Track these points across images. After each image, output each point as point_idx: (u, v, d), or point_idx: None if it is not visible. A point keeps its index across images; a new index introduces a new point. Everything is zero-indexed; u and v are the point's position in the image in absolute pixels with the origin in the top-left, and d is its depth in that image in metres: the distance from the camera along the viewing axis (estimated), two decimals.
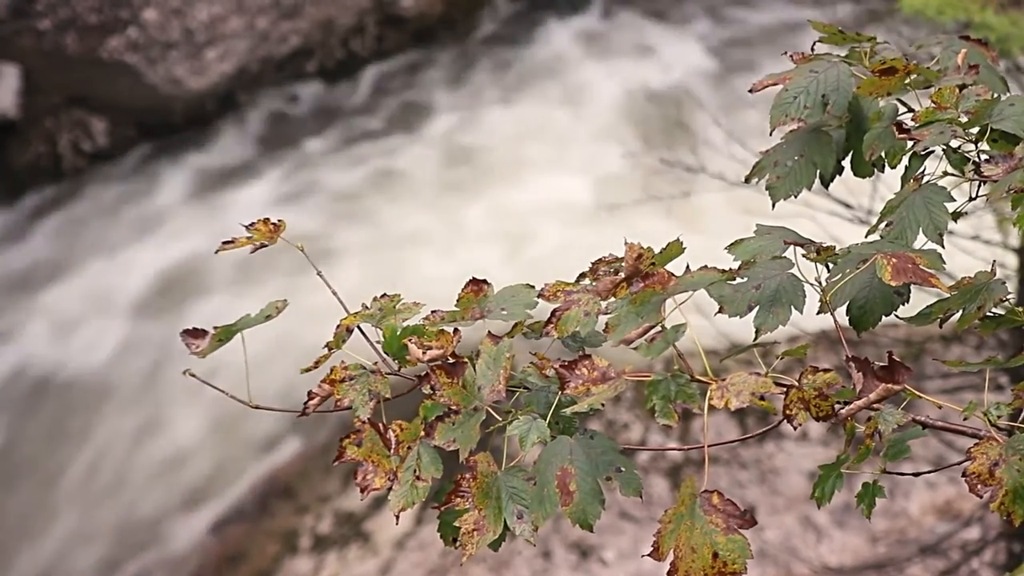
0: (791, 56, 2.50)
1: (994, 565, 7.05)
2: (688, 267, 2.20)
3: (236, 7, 11.72)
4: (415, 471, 2.11)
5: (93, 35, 11.50)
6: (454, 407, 2.13)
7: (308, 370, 2.23)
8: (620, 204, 8.20)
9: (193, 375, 2.29)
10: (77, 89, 11.48)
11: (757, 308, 2.21)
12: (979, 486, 2.05)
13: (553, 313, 2.20)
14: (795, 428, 2.10)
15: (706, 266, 2.20)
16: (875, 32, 2.51)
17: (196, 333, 2.31)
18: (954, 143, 2.34)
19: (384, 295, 2.29)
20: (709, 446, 2.09)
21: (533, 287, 2.27)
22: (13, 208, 11.00)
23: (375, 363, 2.21)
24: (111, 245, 10.53)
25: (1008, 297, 2.26)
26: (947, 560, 7.41)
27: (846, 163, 2.49)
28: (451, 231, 10.30)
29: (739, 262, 2.25)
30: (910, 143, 2.36)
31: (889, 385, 2.11)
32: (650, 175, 8.77)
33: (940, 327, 2.31)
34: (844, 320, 2.26)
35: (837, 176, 2.49)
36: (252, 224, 2.37)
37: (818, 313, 2.23)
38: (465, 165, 10.99)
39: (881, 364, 2.11)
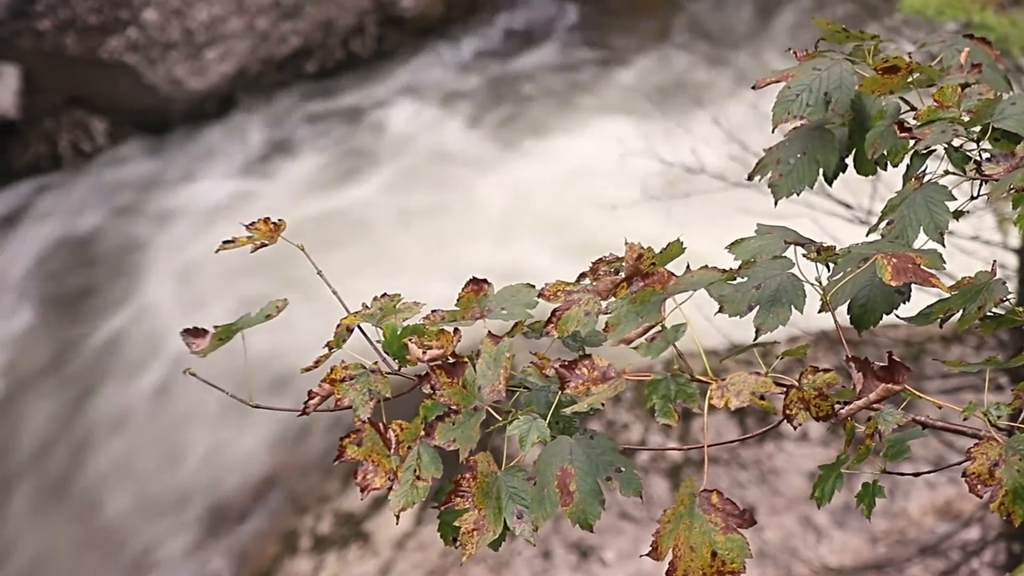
0: (794, 53, 2.49)
1: (994, 565, 7.05)
2: (688, 267, 2.20)
3: (236, 7, 11.72)
4: (415, 471, 2.10)
5: (93, 35, 11.50)
6: (454, 407, 2.12)
7: (308, 369, 2.23)
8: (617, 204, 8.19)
9: (193, 374, 2.29)
10: (77, 89, 11.48)
11: (757, 308, 2.21)
12: (979, 486, 2.05)
13: (553, 313, 2.19)
14: (795, 428, 2.09)
15: (706, 266, 2.20)
16: (875, 32, 2.51)
17: (196, 332, 2.31)
18: (956, 142, 2.33)
19: (384, 294, 2.29)
20: (709, 446, 2.09)
21: (533, 286, 2.27)
22: (12, 208, 11.00)
23: (375, 363, 2.20)
24: (108, 245, 10.53)
25: (1008, 297, 2.25)
26: (947, 560, 7.40)
27: (849, 161, 2.48)
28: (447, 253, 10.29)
29: (739, 262, 2.24)
30: (912, 142, 2.35)
31: (889, 385, 2.11)
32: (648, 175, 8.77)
33: (940, 327, 2.31)
34: (844, 320, 2.25)
35: (840, 174, 2.48)
36: (252, 223, 2.37)
37: (819, 312, 2.22)
38: (467, 166, 10.99)
39: (881, 364, 2.11)
